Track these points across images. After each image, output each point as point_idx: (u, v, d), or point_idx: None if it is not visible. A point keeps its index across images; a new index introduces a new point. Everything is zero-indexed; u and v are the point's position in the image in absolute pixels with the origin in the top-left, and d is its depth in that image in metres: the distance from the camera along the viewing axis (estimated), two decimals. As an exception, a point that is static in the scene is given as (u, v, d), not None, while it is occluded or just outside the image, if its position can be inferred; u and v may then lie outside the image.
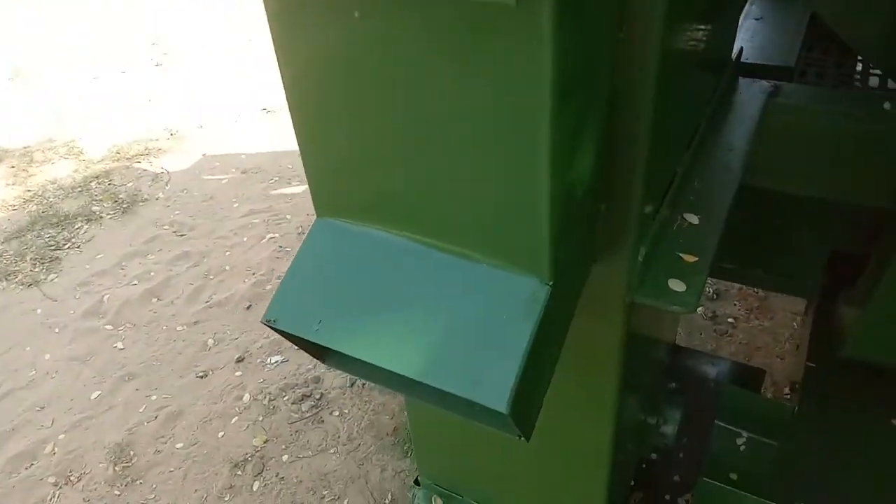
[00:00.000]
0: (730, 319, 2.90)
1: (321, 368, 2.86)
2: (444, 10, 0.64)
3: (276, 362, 2.93)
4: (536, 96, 0.65)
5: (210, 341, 3.08)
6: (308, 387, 2.79)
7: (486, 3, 0.60)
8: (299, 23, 0.75)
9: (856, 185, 1.52)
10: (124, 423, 2.73)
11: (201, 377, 2.91)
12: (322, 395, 2.75)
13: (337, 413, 2.68)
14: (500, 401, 0.75)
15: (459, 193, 0.80)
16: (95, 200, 4.13)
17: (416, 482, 1.72)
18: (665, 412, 1.64)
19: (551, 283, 0.80)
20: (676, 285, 1.02)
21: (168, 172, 4.39)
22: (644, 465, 1.89)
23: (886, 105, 1.41)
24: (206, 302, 3.31)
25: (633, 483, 1.87)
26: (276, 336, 3.00)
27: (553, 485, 1.50)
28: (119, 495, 2.46)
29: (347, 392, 2.76)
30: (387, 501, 2.33)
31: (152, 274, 3.53)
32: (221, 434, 2.65)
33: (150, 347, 3.07)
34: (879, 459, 1.66)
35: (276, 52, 0.80)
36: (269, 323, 0.92)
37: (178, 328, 3.17)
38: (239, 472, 2.49)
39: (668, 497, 1.90)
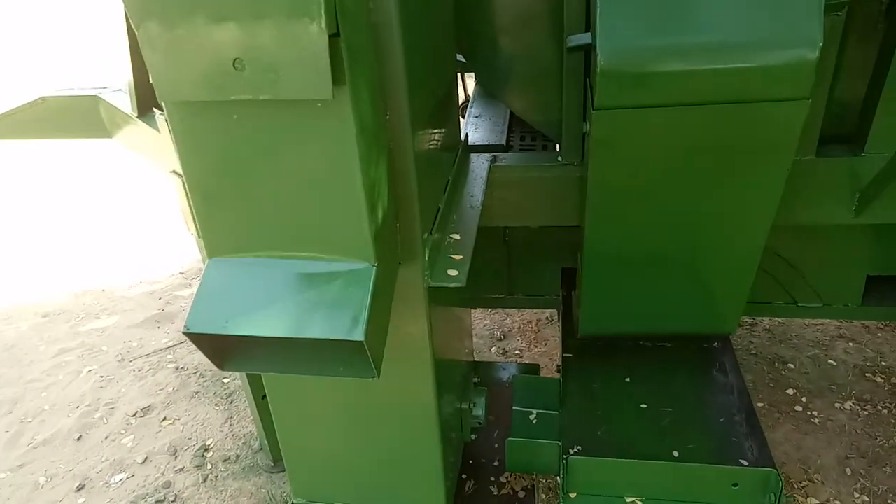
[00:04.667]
0: (517, 351, 3.60)
1: (170, 473, 2.98)
2: (289, 106, 1.17)
3: (120, 480, 2.97)
4: (350, 152, 1.20)
5: (41, 479, 3.02)
6: (160, 493, 2.88)
7: (315, 99, 1.14)
8: (198, 124, 1.22)
9: (556, 212, 2.27)
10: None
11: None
12: (176, 496, 2.87)
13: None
14: (357, 333, 1.23)
15: (311, 220, 1.30)
16: None
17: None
18: (473, 399, 2.18)
19: (376, 264, 1.32)
20: (452, 273, 1.59)
21: (-47, 330, 4.17)
22: (467, 452, 2.38)
23: (559, 158, 2.20)
24: (29, 444, 3.23)
25: (462, 472, 2.35)
26: (117, 456, 3.19)
27: (398, 469, 1.93)
28: None
29: (201, 487, 2.90)
30: None
31: (-43, 432, 3.35)
32: None
33: (-28, 501, 2.93)
34: (621, 406, 2.32)
35: (177, 146, 1.25)
36: (187, 331, 1.30)
37: (1, 475, 3.06)
38: None
39: (493, 479, 2.40)
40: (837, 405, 3.04)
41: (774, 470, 1.88)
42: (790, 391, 3.14)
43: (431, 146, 1.66)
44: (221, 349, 1.36)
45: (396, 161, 1.42)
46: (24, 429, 3.33)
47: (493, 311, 3.87)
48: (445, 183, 1.87)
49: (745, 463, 1.97)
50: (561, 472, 2.00)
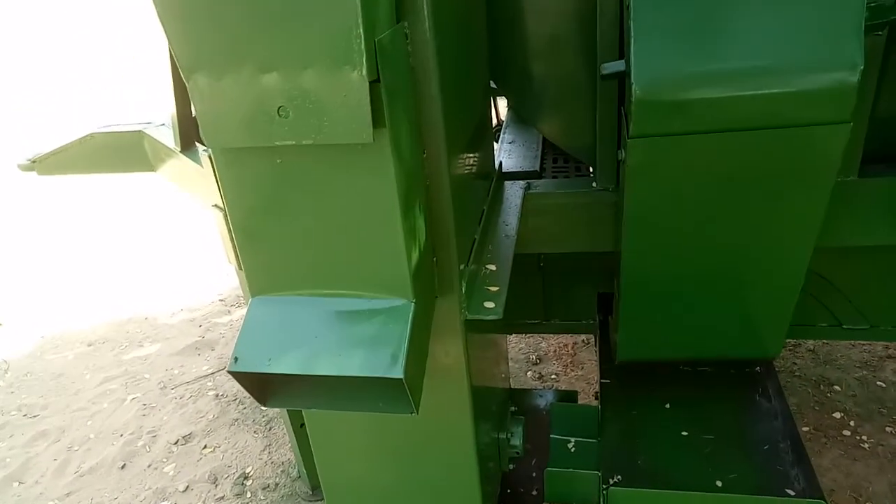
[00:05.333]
0: (553, 376, 3.57)
1: (211, 502, 3.01)
2: (331, 150, 1.20)
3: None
4: (389, 192, 1.22)
5: (88, 507, 3.09)
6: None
7: (356, 144, 1.17)
8: (243, 168, 1.26)
9: (591, 238, 2.27)
10: None
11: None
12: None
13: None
14: (396, 370, 1.24)
15: (350, 258, 1.32)
16: (-76, 402, 3.94)
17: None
18: (511, 428, 2.17)
19: (414, 301, 1.33)
20: (489, 305, 1.60)
21: (5, 361, 4.30)
22: (504, 481, 2.37)
23: (594, 184, 2.20)
24: (76, 472, 3.31)
25: (500, 502, 2.33)
26: (159, 484, 3.25)
27: (435, 500, 1.92)
28: None
29: None
30: None
31: (8, 460, 3.44)
32: None
33: (22, 530, 3.01)
34: (660, 433, 2.28)
35: (222, 188, 1.29)
36: (232, 370, 1.33)
37: (49, 504, 3.14)
38: None
39: (531, 509, 2.38)
40: (888, 429, 2.94)
41: (823, 501, 1.83)
42: (837, 415, 3.05)
43: (467, 178, 1.68)
44: (264, 386, 1.39)
45: (433, 198, 1.44)
46: (71, 457, 3.41)
47: (529, 336, 3.85)
48: (481, 213, 1.89)
49: (792, 493, 1.91)
50: (601, 503, 1.98)
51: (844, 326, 2.52)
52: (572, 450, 2.29)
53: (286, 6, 1.05)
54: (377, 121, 1.14)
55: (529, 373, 3.61)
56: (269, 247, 1.35)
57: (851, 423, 3.00)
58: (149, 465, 3.28)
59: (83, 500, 3.12)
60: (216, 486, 3.09)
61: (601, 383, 2.48)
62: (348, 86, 1.09)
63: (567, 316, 2.80)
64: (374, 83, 1.11)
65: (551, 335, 3.83)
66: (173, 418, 3.59)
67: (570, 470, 2.09)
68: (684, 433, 2.27)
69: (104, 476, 3.26)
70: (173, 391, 3.82)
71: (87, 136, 2.92)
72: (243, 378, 1.34)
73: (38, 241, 6.25)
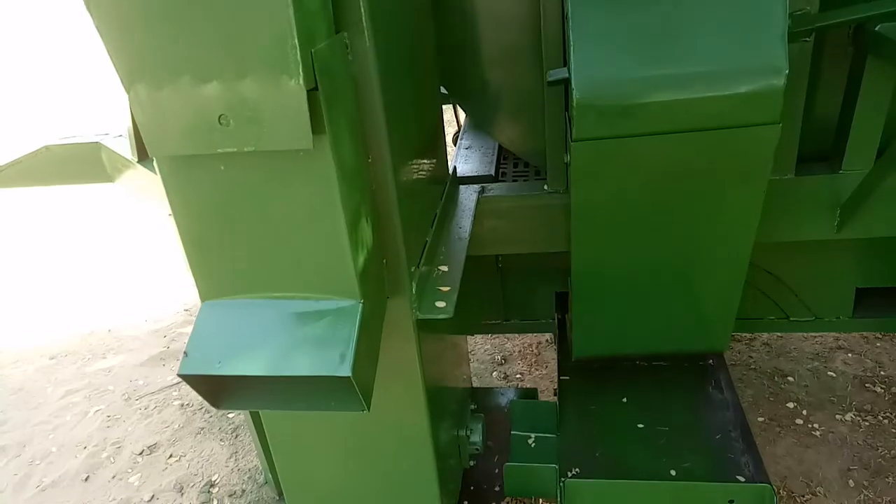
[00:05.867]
0: (518, 375, 3.63)
1: None
2: (273, 157, 1.23)
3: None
4: (332, 197, 1.26)
5: (50, 522, 3.05)
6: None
7: (297, 150, 1.20)
8: (187, 176, 1.29)
9: (546, 239, 2.33)
10: None
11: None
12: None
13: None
14: (344, 369, 1.28)
15: (297, 261, 1.35)
16: None
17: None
18: (470, 425, 2.22)
19: (361, 301, 1.37)
20: (440, 304, 1.64)
21: (-38, 376, 4.23)
22: (468, 478, 2.41)
23: (546, 187, 2.26)
24: (38, 486, 3.26)
25: (463, 499, 2.37)
26: (124, 495, 3.23)
27: (395, 499, 1.96)
28: None
29: None
30: None
31: (-34, 477, 3.38)
32: None
33: (-18, 547, 2.96)
34: (617, 426, 2.34)
35: (168, 196, 1.32)
36: (181, 373, 1.35)
37: (10, 520, 3.10)
38: None
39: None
40: (838, 417, 3.05)
41: (769, 485, 1.91)
42: (791, 405, 3.16)
43: (416, 183, 1.72)
44: (216, 389, 1.41)
45: (380, 202, 1.48)
46: (33, 471, 3.37)
47: (494, 336, 3.91)
48: (433, 216, 1.93)
49: (742, 479, 1.99)
50: (559, 495, 2.03)
51: (791, 319, 2.61)
52: (532, 445, 2.34)
53: (223, 17, 1.09)
54: (316, 128, 1.17)
55: (495, 373, 3.66)
56: (217, 252, 1.38)
57: (804, 412, 3.11)
58: (113, 477, 3.26)
59: (45, 515, 3.09)
60: (182, 494, 3.08)
61: (560, 380, 2.54)
62: (286, 94, 1.13)
63: (526, 316, 2.86)
64: (312, 91, 1.15)
65: (516, 336, 3.89)
66: (138, 429, 3.57)
67: (529, 464, 2.13)
68: (640, 426, 2.34)
69: (67, 489, 3.22)
70: (138, 402, 3.79)
71: (42, 148, 2.90)
72: (194, 381, 1.37)
73: (-3, 254, 6.14)
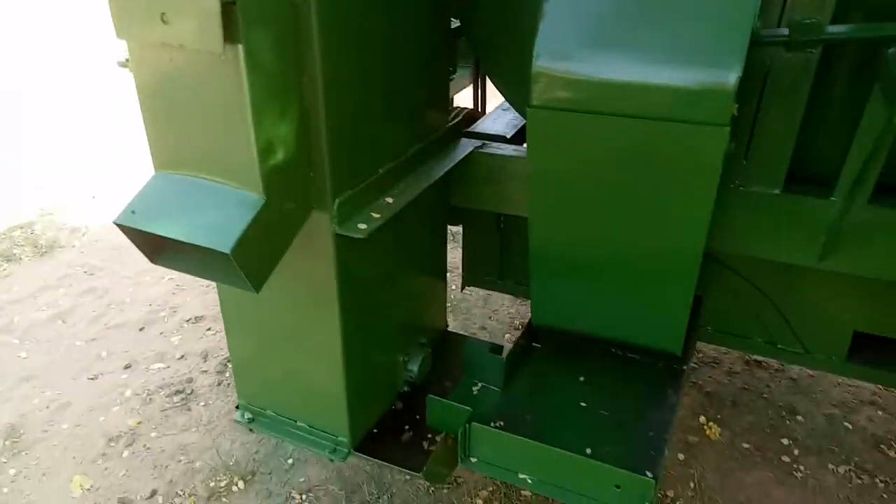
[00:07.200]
0: (528, 342, 3.70)
1: (196, 372, 3.48)
2: (202, 55, 1.46)
3: (158, 368, 3.53)
4: (241, 99, 1.47)
5: (104, 353, 3.65)
6: (182, 385, 3.39)
7: (204, 50, 1.43)
8: (147, 57, 1.56)
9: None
10: (18, 410, 3.24)
11: (92, 379, 3.47)
12: (193, 391, 3.36)
13: (203, 404, 3.28)
14: (225, 246, 1.51)
15: (220, 151, 1.59)
16: (17, 245, 4.72)
17: (237, 406, 2.38)
18: (411, 354, 2.39)
19: (265, 198, 1.59)
20: (362, 226, 1.83)
21: (87, 226, 5.03)
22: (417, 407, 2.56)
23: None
24: (105, 325, 3.90)
25: (407, 423, 2.53)
26: (162, 348, 3.69)
27: (313, 391, 2.17)
28: (6, 462, 2.95)
29: (215, 389, 3.37)
30: (232, 462, 2.93)
31: (60, 303, 4.10)
32: (102, 419, 3.19)
33: (50, 356, 3.62)
34: (562, 400, 2.40)
35: (134, 76, 1.60)
36: (117, 223, 1.65)
37: (77, 343, 3.74)
38: (112, 444, 3.04)
39: (430, 436, 2.58)
40: (831, 467, 2.87)
41: (652, 480, 1.93)
42: (785, 440, 3.00)
43: (369, 114, 1.87)
44: (146, 244, 1.71)
45: (312, 119, 1.67)
46: (106, 312, 4.02)
47: (522, 303, 4.00)
48: (403, 153, 2.08)
49: (636, 471, 2.01)
50: (462, 436, 2.16)
51: (779, 346, 2.50)
52: (475, 392, 2.48)
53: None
54: (231, 37, 1.39)
55: (507, 335, 3.78)
56: (164, 131, 1.65)
57: (796, 451, 2.95)
58: (161, 333, 3.81)
59: (102, 347, 3.70)
60: (205, 361, 3.56)
61: (516, 342, 2.59)
62: (204, 4, 1.35)
63: (522, 280, 2.94)
64: (230, 4, 1.36)
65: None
66: (194, 301, 4.10)
67: (448, 402, 2.27)
68: (583, 404, 2.40)
69: (125, 333, 3.83)
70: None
71: None
72: (127, 232, 1.67)
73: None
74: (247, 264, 1.58)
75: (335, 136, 1.72)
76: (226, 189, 1.62)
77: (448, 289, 3.93)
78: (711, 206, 1.84)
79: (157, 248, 1.75)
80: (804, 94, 1.88)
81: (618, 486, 2.00)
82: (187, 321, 3.91)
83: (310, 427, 2.24)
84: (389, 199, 1.99)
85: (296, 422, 2.27)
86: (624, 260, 2.12)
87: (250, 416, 2.33)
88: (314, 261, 1.87)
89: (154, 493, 2.79)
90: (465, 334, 3.30)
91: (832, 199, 1.98)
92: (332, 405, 2.13)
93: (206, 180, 1.65)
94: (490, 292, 3.87)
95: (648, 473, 2.00)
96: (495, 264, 2.92)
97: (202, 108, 1.56)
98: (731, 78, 1.62)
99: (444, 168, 2.23)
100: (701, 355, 3.55)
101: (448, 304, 4.06)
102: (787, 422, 3.12)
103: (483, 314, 3.98)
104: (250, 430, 2.37)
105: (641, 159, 1.85)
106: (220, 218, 1.58)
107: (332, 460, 2.23)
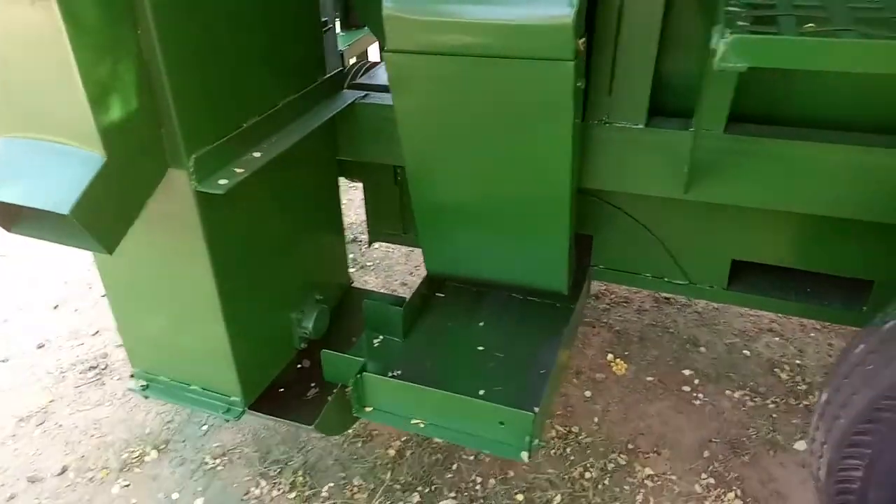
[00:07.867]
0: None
1: (111, 347, 3.44)
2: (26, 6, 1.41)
3: (71, 345, 3.47)
4: (64, 52, 1.43)
5: (16, 334, 3.58)
6: (96, 361, 3.35)
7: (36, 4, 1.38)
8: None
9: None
10: (-76, 399, 3.17)
11: (3, 361, 3.40)
12: (108, 365, 3.33)
13: (118, 378, 3.25)
14: (63, 208, 1.49)
15: (56, 110, 1.55)
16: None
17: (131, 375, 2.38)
18: (305, 311, 2.41)
19: (105, 156, 1.56)
20: (222, 181, 1.81)
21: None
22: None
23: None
24: (17, 306, 3.81)
25: (314, 382, 2.56)
26: (75, 326, 3.58)
27: (199, 352, 2.17)
28: None
29: (128, 364, 3.33)
30: (146, 432, 2.92)
31: (-32, 287, 3.99)
32: (14, 400, 3.14)
33: (-42, 342, 3.54)
34: (460, 345, 2.45)
35: None
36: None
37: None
38: (22, 424, 3.00)
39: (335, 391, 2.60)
40: (727, 392, 3.01)
41: (532, 414, 2.00)
42: (687, 372, 3.13)
43: (221, 71, 1.83)
44: (6, 215, 1.67)
45: (153, 74, 1.64)
46: (18, 292, 3.92)
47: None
48: (269, 107, 2.05)
49: (516, 407, 2.07)
50: (353, 386, 2.20)
51: (666, 280, 2.59)
52: (376, 345, 2.52)
53: None
54: (42, -11, 1.34)
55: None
56: (3, 90, 1.60)
57: (696, 381, 3.08)
58: (75, 310, 3.75)
59: (14, 329, 3.62)
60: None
61: (415, 292, 2.62)
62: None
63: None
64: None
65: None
66: (110, 277, 4.03)
67: (340, 354, 2.30)
68: (480, 348, 2.46)
69: (41, 311, 3.75)
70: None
71: None
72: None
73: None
74: (93, 225, 1.56)
75: (181, 90, 1.69)
76: (67, 149, 1.59)
77: (371, 247, 3.96)
78: (570, 143, 1.88)
79: (12, 217, 1.71)
80: (656, 27, 1.92)
81: (501, 423, 2.07)
82: (103, 296, 3.83)
83: (202, 389, 2.25)
84: (257, 154, 1.97)
85: (189, 385, 2.27)
86: (500, 202, 2.16)
87: (144, 383, 2.32)
88: (180, 219, 1.86)
89: (65, 469, 2.78)
90: (371, 290, 3.33)
91: (692, 130, 2.03)
92: (220, 365, 2.14)
93: (48, 142, 1.61)
94: (413, 249, 3.89)
95: (536, 409, 2.08)
96: (397, 218, 2.94)
97: (33, 66, 1.51)
98: (569, 11, 1.64)
99: (320, 120, 2.21)
100: (613, 296, 3.66)
101: (370, 263, 4.11)
102: (690, 353, 3.25)
103: (405, 270, 4.01)
104: (145, 397, 2.36)
105: (497, 99, 1.87)
106: (61, 179, 1.55)
107: (227, 420, 2.25)
